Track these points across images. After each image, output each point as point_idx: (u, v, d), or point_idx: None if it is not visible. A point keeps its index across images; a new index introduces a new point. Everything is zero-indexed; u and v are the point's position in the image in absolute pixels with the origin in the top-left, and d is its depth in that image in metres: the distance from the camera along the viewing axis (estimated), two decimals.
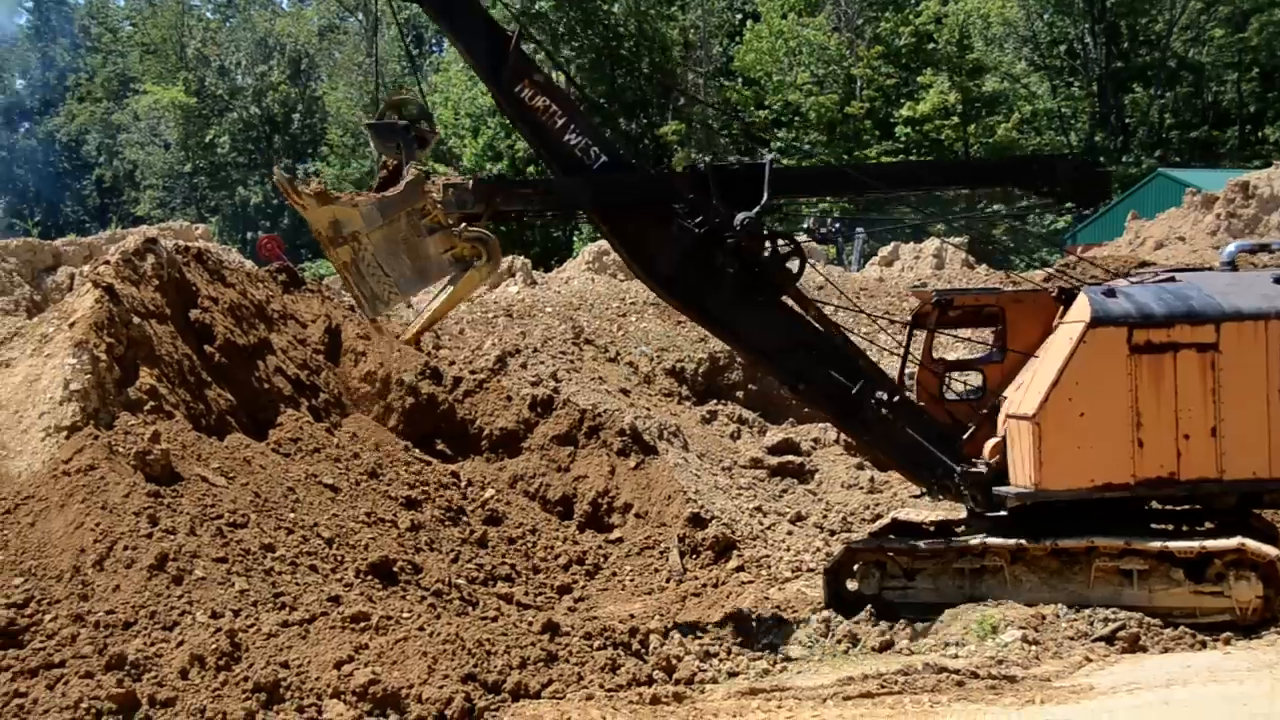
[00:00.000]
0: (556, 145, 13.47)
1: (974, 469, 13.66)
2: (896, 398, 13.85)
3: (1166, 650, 12.05)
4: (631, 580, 16.54)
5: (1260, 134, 76.02)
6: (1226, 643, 12.10)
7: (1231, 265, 13.81)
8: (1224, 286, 13.19)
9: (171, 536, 12.13)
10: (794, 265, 13.89)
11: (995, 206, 65.90)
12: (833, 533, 17.96)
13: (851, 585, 14.09)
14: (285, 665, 10.83)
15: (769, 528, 18.17)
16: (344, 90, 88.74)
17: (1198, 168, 64.41)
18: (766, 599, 14.79)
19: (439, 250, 13.09)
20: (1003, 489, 13.50)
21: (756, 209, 13.55)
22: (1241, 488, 12.98)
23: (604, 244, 37.96)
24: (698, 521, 17.36)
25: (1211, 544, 12.61)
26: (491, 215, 13.58)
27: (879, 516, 17.38)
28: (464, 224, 13.27)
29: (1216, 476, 12.88)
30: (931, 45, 66.73)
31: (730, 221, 13.49)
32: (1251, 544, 12.38)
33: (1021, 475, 13.28)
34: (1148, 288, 13.50)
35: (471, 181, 13.43)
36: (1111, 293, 13.26)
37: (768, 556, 17.17)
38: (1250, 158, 67.65)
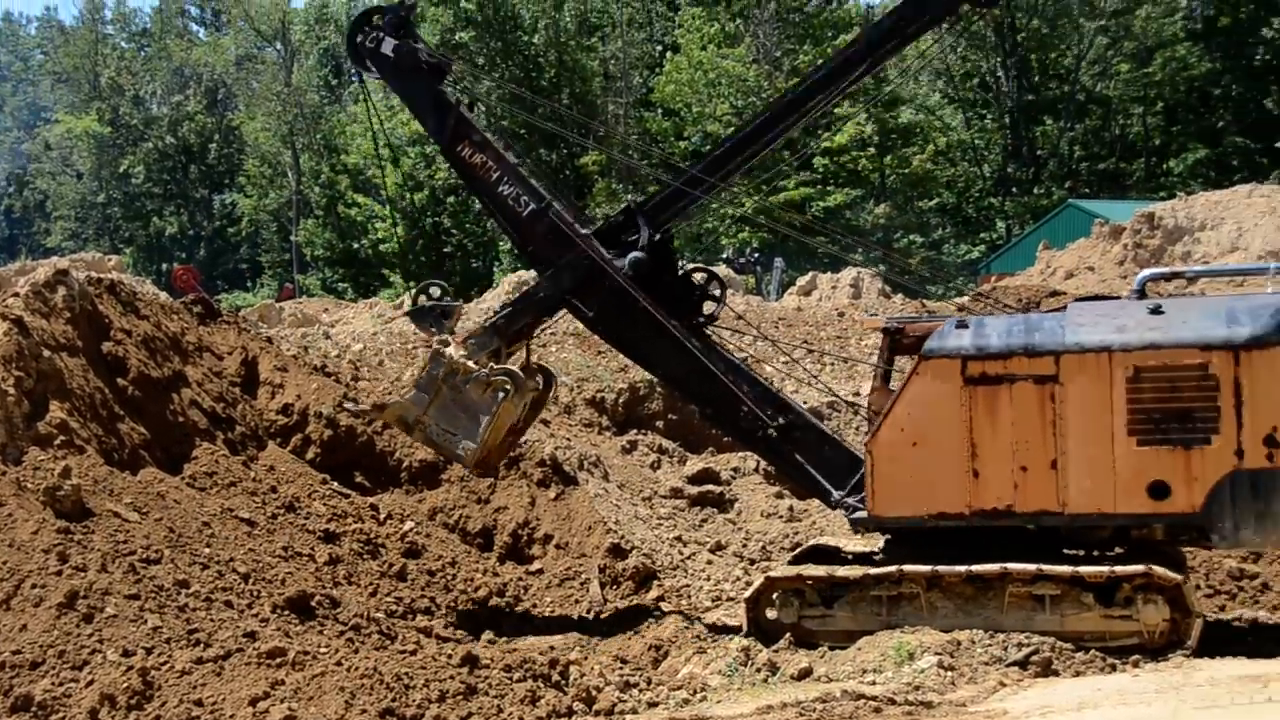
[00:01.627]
0: (492, 195, 15.40)
1: (845, 496, 14.08)
2: (784, 422, 14.52)
3: (1078, 674, 12.22)
4: (552, 612, 16.51)
5: (1165, 166, 77.96)
6: (1135, 665, 12.30)
7: (1141, 293, 13.73)
8: (1092, 317, 13.05)
9: (82, 574, 11.93)
10: (714, 295, 15.17)
11: (912, 237, 66.96)
12: (752, 561, 18.05)
13: (771, 614, 14.17)
14: (199, 703, 10.68)
15: (689, 557, 18.23)
16: (262, 120, 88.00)
17: (1106, 199, 65.86)
18: (687, 629, 14.83)
19: (480, 394, 15.09)
20: (854, 516, 13.92)
21: (637, 252, 14.92)
22: (1084, 521, 12.86)
23: (524, 275, 37.96)
24: (618, 552, 17.37)
25: (1120, 569, 12.80)
26: (509, 341, 15.50)
27: (798, 545, 17.49)
28: (491, 364, 15.16)
29: (1058, 510, 12.84)
30: None
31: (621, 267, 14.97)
32: (1158, 569, 12.58)
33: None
34: (1004, 319, 13.64)
35: (482, 328, 15.58)
36: (964, 324, 13.40)
37: (688, 586, 17.22)
38: (1156, 189, 69.33)
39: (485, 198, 15.75)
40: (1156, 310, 12.78)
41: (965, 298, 28.60)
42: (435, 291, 16.00)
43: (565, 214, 15.51)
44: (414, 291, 16.21)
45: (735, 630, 14.53)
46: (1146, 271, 14.42)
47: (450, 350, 15.30)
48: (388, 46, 15.65)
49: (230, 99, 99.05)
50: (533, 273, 39.06)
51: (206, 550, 13.56)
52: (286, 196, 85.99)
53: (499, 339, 15.41)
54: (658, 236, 15.28)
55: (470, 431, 15.15)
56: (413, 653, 12.83)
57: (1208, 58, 74.68)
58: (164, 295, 22.15)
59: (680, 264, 15.84)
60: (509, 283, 32.95)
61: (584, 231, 15.46)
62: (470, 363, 15.18)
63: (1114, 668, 12.31)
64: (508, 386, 15.07)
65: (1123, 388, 12.55)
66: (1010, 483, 12.94)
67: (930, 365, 13.23)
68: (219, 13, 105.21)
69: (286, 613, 12.93)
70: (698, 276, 15.49)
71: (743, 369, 15.28)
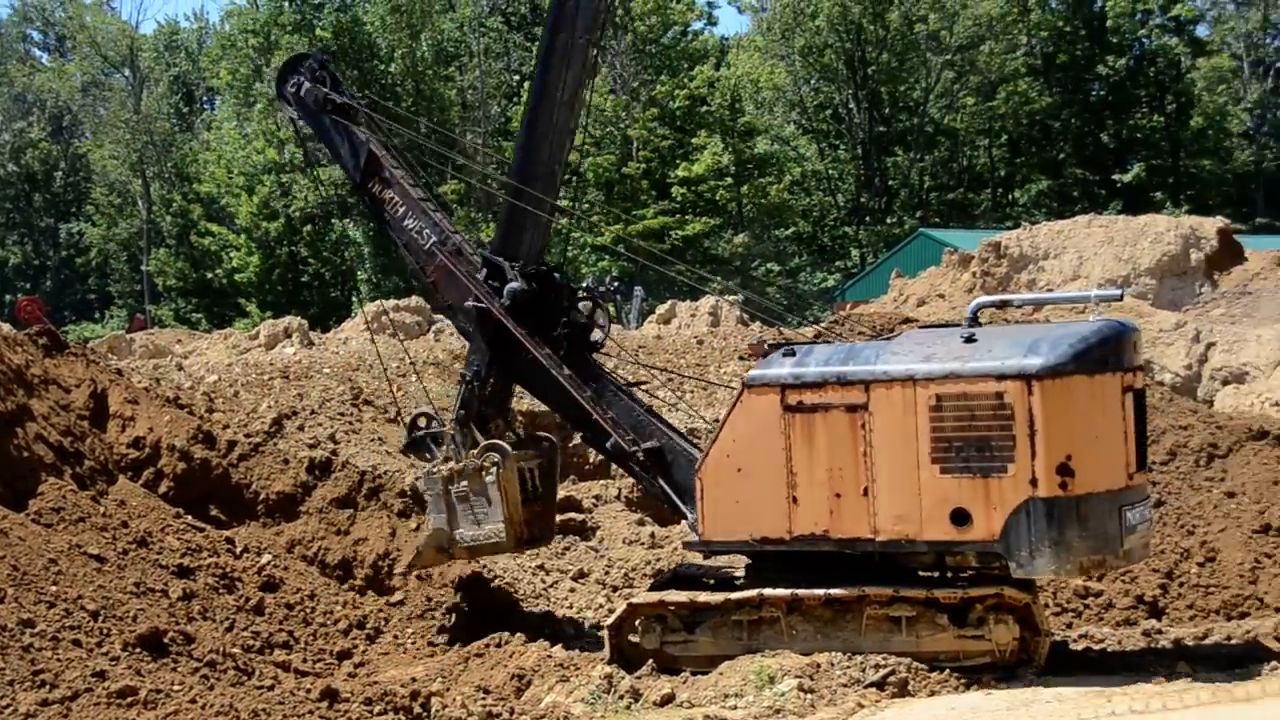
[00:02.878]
0: (399, 229, 16.41)
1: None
2: (650, 447, 14.88)
3: (933, 693, 12.46)
4: (413, 643, 16.35)
5: (1010, 197, 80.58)
6: (988, 684, 12.58)
7: (974, 320, 13.72)
8: (909, 346, 13.22)
9: None
10: (598, 322, 15.90)
11: (770, 265, 67.94)
12: (615, 589, 18.10)
13: (634, 640, 14.21)
14: None
15: (551, 585, 18.22)
16: (110, 148, 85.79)
17: (956, 228, 67.66)
18: (549, 657, 14.81)
19: (478, 483, 15.41)
20: (686, 540, 14.26)
21: (513, 282, 15.42)
22: (893, 548, 13.01)
23: (382, 304, 37.62)
24: (480, 581, 17.30)
25: (973, 590, 13.07)
26: (481, 424, 15.89)
27: (660, 572, 17.60)
28: (473, 451, 15.55)
29: (870, 536, 13.01)
30: (705, 108, 68.50)
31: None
32: (1009, 590, 12.87)
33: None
34: (829, 347, 13.92)
35: (449, 425, 16.01)
36: (792, 352, 13.63)
37: (550, 615, 17.20)
38: (1003, 219, 71.51)
39: (393, 231, 16.60)
40: (970, 339, 12.91)
41: (821, 324, 29.12)
42: (422, 422, 16.51)
43: (464, 246, 16.25)
44: (406, 424, 16.84)
45: (598, 657, 14.54)
46: (978, 300, 14.63)
47: (439, 466, 15.75)
48: (305, 90, 16.80)
49: (76, 126, 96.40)
50: (391, 302, 38.73)
51: (53, 588, 13.19)
52: (137, 226, 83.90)
53: (469, 430, 15.86)
54: (524, 265, 15.67)
55: (489, 519, 15.45)
56: (270, 688, 12.63)
57: (1048, 93, 77.49)
58: (7, 327, 21.46)
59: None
60: (368, 312, 32.63)
61: (473, 259, 15.99)
62: (454, 464, 15.60)
63: (968, 686, 12.57)
64: (495, 459, 15.39)
65: (926, 416, 12.68)
66: (826, 509, 13.14)
67: (752, 393, 13.46)
68: (64, 38, 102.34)
69: (138, 650, 12.65)
70: (584, 305, 15.92)
71: (619, 395, 15.56)
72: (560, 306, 15.69)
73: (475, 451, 15.56)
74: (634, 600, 14.43)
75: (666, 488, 14.82)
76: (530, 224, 16.00)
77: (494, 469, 15.39)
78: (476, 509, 15.44)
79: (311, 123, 17.02)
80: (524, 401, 22.67)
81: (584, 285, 16.37)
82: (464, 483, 15.48)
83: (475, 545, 15.66)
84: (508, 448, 15.66)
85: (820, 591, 13.26)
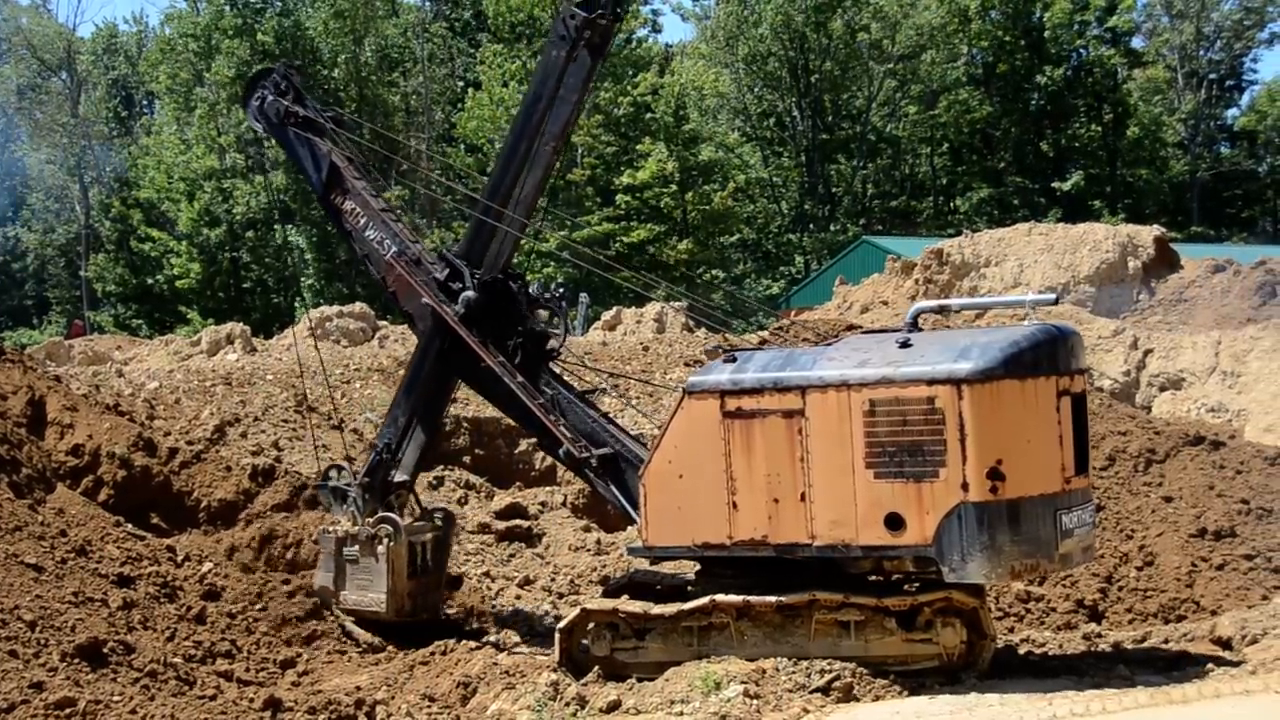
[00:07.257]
0: (361, 239, 16.73)
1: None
2: (602, 454, 15.02)
3: (878, 698, 12.49)
4: (358, 650, 16.24)
5: (952, 204, 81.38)
6: (933, 688, 12.64)
7: (914, 325, 13.70)
8: (846, 351, 13.24)
9: None
10: (554, 329, 16.15)
11: (714, 272, 68.14)
12: (561, 595, 18.08)
13: (584, 645, 14.17)
14: None
15: (497, 592, 18.16)
16: (47, 152, 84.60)
17: (898, 235, 68.18)
18: (495, 664, 14.77)
19: (368, 552, 16.00)
20: (630, 545, 14.42)
21: (468, 291, 15.70)
22: (829, 553, 12.99)
23: (325, 310, 37.36)
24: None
25: (922, 596, 13.13)
26: (382, 491, 16.35)
27: (607, 578, 17.60)
28: (366, 520, 16.09)
29: (807, 541, 13.01)
30: (649, 115, 68.63)
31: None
32: (957, 593, 12.92)
33: None
34: (768, 353, 13.93)
35: (357, 494, 16.32)
36: (733, 358, 13.67)
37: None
38: (944, 226, 72.13)
39: (354, 241, 16.95)
40: (905, 344, 12.88)
41: (766, 331, 29.25)
42: (334, 474, 16.84)
43: (423, 257, 16.42)
44: (324, 469, 17.09)
45: (544, 663, 14.51)
46: (917, 305, 14.66)
47: (336, 525, 16.35)
48: (268, 104, 17.18)
49: (12, 130, 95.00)
50: (334, 308, 38.48)
51: None
52: (75, 231, 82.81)
53: (371, 496, 16.33)
54: (483, 275, 15.83)
55: (376, 588, 16.01)
56: (212, 698, 12.52)
57: (988, 102, 78.36)
58: None
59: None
60: (311, 319, 32.40)
61: (431, 270, 16.14)
62: (350, 527, 16.19)
63: (913, 691, 12.63)
64: (388, 530, 15.97)
65: (860, 421, 12.66)
66: (765, 514, 13.14)
67: (693, 399, 13.48)
68: None
69: (77, 661, 12.48)
70: (541, 313, 16.05)
71: (574, 402, 15.63)
72: (517, 314, 15.78)
73: (371, 520, 16.10)
74: (586, 605, 14.40)
75: (619, 494, 14.89)
76: (498, 237, 16.16)
77: (386, 541, 15.96)
78: (363, 575, 16.05)
79: (275, 136, 17.40)
80: (472, 406, 22.63)
81: (544, 293, 16.37)
82: (355, 548, 16.08)
83: (356, 609, 16.21)
84: (400, 521, 16.23)
85: (771, 598, 13.28)
